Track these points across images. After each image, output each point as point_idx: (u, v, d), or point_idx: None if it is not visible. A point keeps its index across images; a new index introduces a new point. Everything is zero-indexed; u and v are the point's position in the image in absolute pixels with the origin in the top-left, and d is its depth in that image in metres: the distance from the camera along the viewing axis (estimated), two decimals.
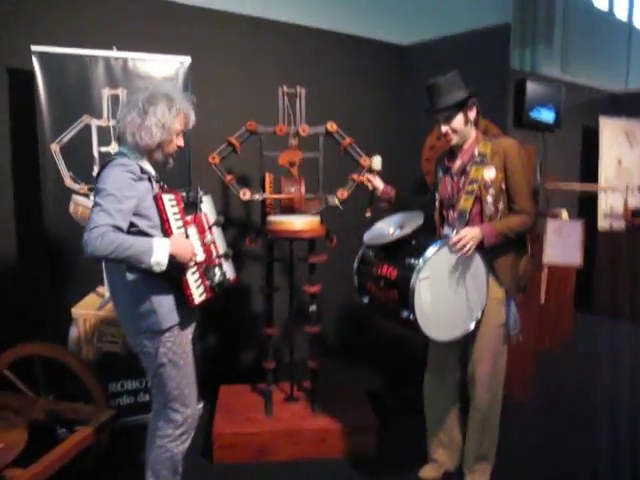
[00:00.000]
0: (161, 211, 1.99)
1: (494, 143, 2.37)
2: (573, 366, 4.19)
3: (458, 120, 2.35)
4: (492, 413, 2.51)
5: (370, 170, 2.81)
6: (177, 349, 2.12)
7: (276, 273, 3.24)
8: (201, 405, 3.39)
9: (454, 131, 2.37)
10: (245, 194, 2.89)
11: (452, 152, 2.49)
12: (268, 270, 3.11)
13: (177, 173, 3.14)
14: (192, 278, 2.04)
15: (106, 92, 2.98)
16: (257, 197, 2.91)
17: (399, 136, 4.33)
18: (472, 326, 2.34)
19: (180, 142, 2.16)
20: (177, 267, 2.00)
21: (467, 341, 2.45)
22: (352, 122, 4.06)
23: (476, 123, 2.42)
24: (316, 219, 2.89)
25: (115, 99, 2.99)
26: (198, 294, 2.05)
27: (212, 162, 2.88)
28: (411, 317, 2.17)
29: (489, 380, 2.45)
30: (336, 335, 4.32)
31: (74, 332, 3.04)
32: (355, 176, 2.98)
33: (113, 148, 2.99)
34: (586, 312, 5.51)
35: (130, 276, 2.02)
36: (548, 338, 4.15)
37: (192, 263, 2.05)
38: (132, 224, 1.98)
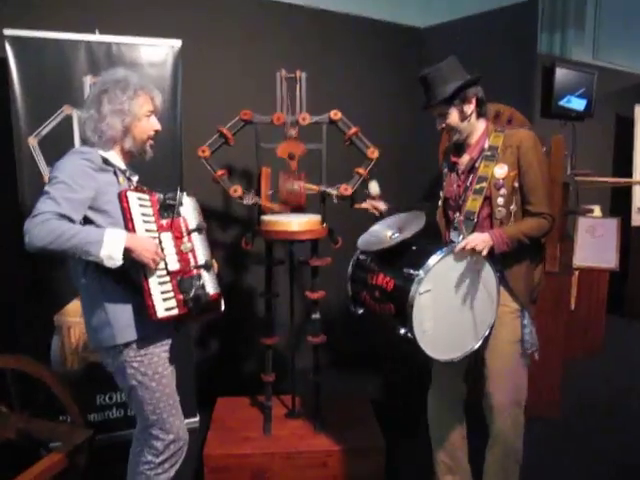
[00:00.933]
0: (125, 210, 1.76)
1: (507, 135, 2.07)
2: (605, 376, 3.83)
3: (452, 116, 2.07)
4: (515, 443, 2.19)
5: (370, 196, 2.50)
6: (146, 370, 1.86)
7: (280, 277, 2.97)
8: (197, 419, 3.15)
9: (451, 128, 2.09)
10: (236, 191, 2.61)
11: (459, 146, 2.18)
12: (267, 274, 2.83)
13: (169, 168, 2.90)
14: (157, 287, 1.76)
15: (88, 80, 2.72)
16: (247, 201, 2.62)
17: (415, 127, 4.00)
18: (478, 345, 2.04)
19: (155, 125, 1.97)
20: (139, 270, 1.75)
21: (474, 357, 2.15)
22: (362, 112, 3.76)
23: (481, 114, 2.12)
24: (316, 219, 2.60)
25: None
26: (163, 307, 1.76)
27: (202, 155, 2.61)
28: (409, 335, 1.88)
29: (510, 404, 2.13)
30: (343, 344, 4.02)
31: (57, 341, 2.82)
32: (361, 170, 2.68)
33: None
34: (619, 316, 5.12)
35: (84, 280, 1.80)
36: (578, 347, 3.79)
37: (159, 267, 1.78)
38: (89, 220, 1.77)
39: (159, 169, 2.80)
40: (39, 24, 2.67)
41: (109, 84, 1.87)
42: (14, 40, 2.58)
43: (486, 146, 2.07)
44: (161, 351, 1.91)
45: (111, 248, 1.67)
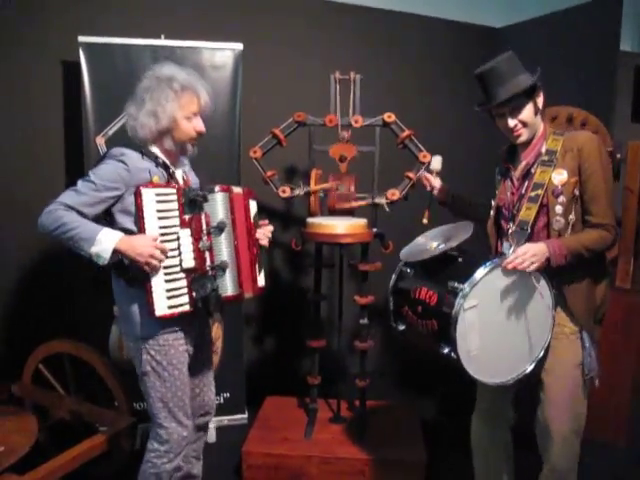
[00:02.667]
0: (138, 207, 1.78)
1: (567, 138, 1.89)
2: None
3: (528, 110, 1.89)
4: (570, 474, 2.00)
5: (429, 170, 2.42)
6: (162, 359, 1.91)
7: (335, 280, 2.94)
8: (245, 415, 3.21)
9: (524, 124, 1.91)
10: (285, 191, 2.64)
11: (512, 150, 2.04)
12: (316, 276, 2.83)
13: (227, 169, 2.97)
14: (162, 285, 1.80)
15: None
16: (297, 192, 2.64)
17: (489, 132, 3.84)
18: (530, 368, 1.89)
19: (198, 127, 1.96)
20: (141, 269, 1.80)
21: (527, 379, 1.98)
22: (428, 115, 3.70)
23: (542, 112, 1.95)
24: (362, 222, 2.56)
25: None
26: (166, 305, 1.80)
27: (253, 156, 2.66)
28: (453, 355, 1.76)
29: (569, 433, 1.94)
30: (394, 351, 3.93)
31: (115, 331, 2.94)
32: (411, 174, 2.61)
33: None
34: None
35: (114, 274, 1.90)
36: None
37: (171, 264, 1.82)
38: (115, 222, 1.86)
39: (218, 170, 2.89)
40: (109, 31, 2.83)
41: (156, 82, 1.89)
42: (87, 46, 2.75)
43: (543, 150, 1.91)
44: (179, 344, 1.95)
45: (101, 247, 1.74)
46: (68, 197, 1.77)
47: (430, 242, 2.04)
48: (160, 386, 1.93)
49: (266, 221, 2.17)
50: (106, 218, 1.86)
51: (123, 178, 1.82)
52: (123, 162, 1.83)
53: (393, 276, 2.08)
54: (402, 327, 2.03)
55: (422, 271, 2.00)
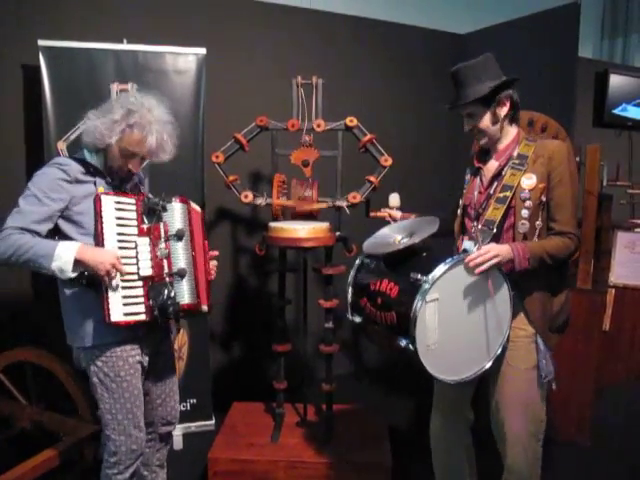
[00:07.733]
0: (96, 213, 1.77)
1: (539, 145, 1.92)
2: None
3: (484, 119, 1.92)
4: (532, 477, 1.99)
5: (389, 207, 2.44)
6: (109, 371, 1.88)
7: (300, 284, 2.95)
8: (212, 422, 3.18)
9: (479, 131, 1.94)
10: (247, 196, 2.63)
11: (485, 151, 2.05)
12: (280, 281, 2.83)
13: (191, 174, 2.96)
14: (118, 292, 1.78)
15: (115, 87, 2.82)
16: (260, 202, 2.63)
17: (455, 136, 3.89)
18: (489, 365, 1.89)
19: (133, 167, 1.91)
20: (97, 277, 1.76)
21: (483, 379, 2.01)
22: (396, 120, 3.74)
23: (514, 119, 1.96)
24: (324, 226, 2.56)
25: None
26: (122, 312, 1.76)
27: (215, 161, 2.66)
28: (410, 347, 1.74)
29: (525, 436, 1.94)
30: (362, 354, 3.95)
31: None
32: (373, 178, 2.64)
33: None
34: None
35: (60, 284, 1.87)
36: (619, 371, 3.53)
37: (129, 271, 1.80)
38: (59, 230, 1.82)
39: (181, 175, 2.88)
40: (70, 35, 2.81)
41: (118, 107, 1.84)
42: (47, 50, 2.72)
43: (515, 154, 1.93)
44: (128, 355, 1.91)
45: (62, 261, 1.70)
46: (16, 219, 1.73)
47: (394, 235, 2.03)
48: (108, 398, 1.91)
49: (216, 252, 2.16)
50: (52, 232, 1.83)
51: (66, 189, 1.80)
52: (64, 172, 1.80)
53: (354, 267, 2.06)
54: (358, 319, 2.00)
55: (384, 264, 1.98)
